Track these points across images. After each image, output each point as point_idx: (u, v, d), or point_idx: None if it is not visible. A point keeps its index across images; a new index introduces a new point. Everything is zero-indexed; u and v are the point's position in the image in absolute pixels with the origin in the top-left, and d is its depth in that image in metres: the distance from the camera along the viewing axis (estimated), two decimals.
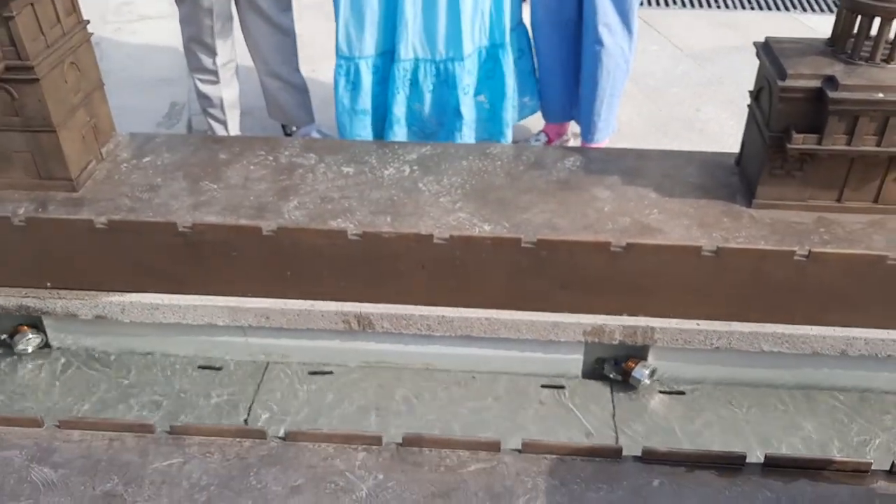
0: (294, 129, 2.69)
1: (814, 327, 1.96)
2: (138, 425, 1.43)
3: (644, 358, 2.07)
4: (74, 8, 2.04)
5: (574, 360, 2.10)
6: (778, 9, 3.64)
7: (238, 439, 1.42)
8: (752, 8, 3.64)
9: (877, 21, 1.79)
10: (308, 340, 2.13)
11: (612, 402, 2.03)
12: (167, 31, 3.47)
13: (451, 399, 2.05)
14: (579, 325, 2.01)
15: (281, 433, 1.44)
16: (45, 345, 2.21)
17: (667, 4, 3.74)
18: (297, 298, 2.06)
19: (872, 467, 1.35)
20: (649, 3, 3.74)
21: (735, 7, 3.66)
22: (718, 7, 3.68)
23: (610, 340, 2.03)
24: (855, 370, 2.03)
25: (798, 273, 1.89)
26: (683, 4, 3.72)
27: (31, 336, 2.19)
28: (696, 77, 3.14)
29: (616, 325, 2.00)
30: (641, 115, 2.92)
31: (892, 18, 1.77)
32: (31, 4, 1.85)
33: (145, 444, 1.40)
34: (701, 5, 3.71)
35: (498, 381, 2.10)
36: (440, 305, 2.03)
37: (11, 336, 2.20)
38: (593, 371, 2.11)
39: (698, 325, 1.99)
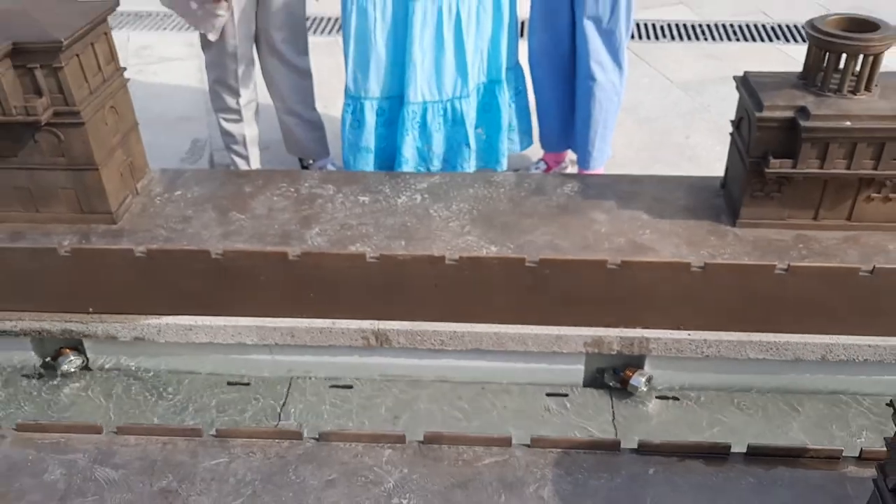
0: (311, 161, 2.88)
1: (795, 335, 2.13)
2: (189, 430, 1.60)
3: (641, 367, 2.24)
4: (113, 56, 2.24)
5: (576, 371, 2.27)
6: (762, 40, 3.85)
7: (277, 440, 1.59)
8: (738, 39, 3.85)
9: (843, 56, 1.99)
10: (329, 357, 2.30)
11: (612, 407, 2.19)
12: (185, 72, 3.69)
13: (463, 408, 2.21)
14: (580, 337, 2.18)
15: (315, 434, 1.61)
16: (86, 366, 2.38)
17: (657, 38, 3.95)
18: (320, 318, 2.24)
19: (843, 454, 1.52)
20: (640, 37, 3.95)
21: (721, 39, 3.88)
22: (706, 39, 3.90)
23: (609, 351, 2.20)
24: (835, 374, 2.20)
25: (779, 285, 2.07)
26: (672, 38, 3.93)
27: (72, 358, 2.36)
28: (686, 106, 3.34)
29: (614, 336, 2.18)
30: (634, 143, 3.11)
31: (857, 54, 1.96)
32: (77, 55, 2.05)
33: (195, 447, 1.57)
34: (689, 38, 3.92)
35: (506, 391, 2.26)
36: (452, 322, 2.20)
37: (55, 358, 2.38)
38: (594, 380, 2.28)
39: (689, 335, 2.17)
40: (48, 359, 2.38)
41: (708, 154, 2.95)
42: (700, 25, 4.01)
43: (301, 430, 1.59)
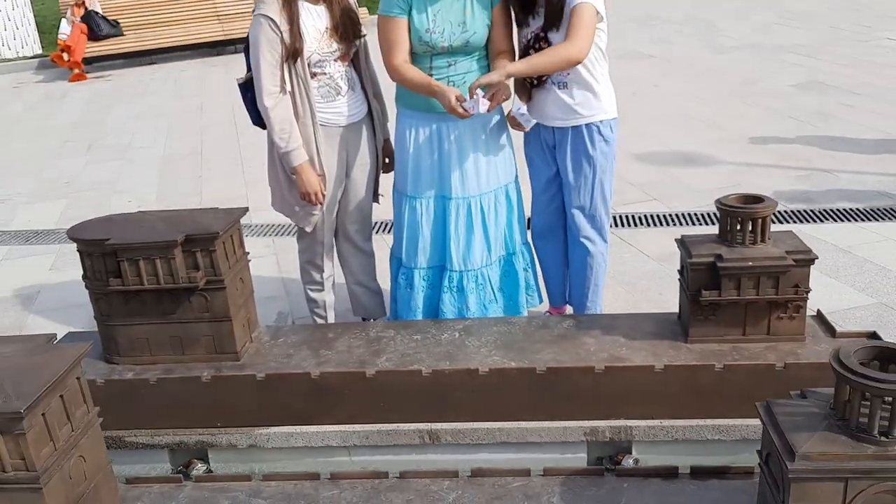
0: (373, 320, 3.78)
1: (737, 420, 2.88)
2: (311, 474, 2.36)
3: (630, 451, 2.97)
4: (241, 243, 3.23)
5: (580, 458, 2.99)
6: (714, 223, 4.85)
7: (371, 479, 2.33)
8: (699, 224, 4.87)
9: (741, 220, 2.92)
10: (393, 455, 3.04)
11: None
12: (267, 266, 4.71)
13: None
14: (580, 428, 2.94)
15: (397, 473, 2.36)
16: (208, 471, 3.13)
17: (637, 225, 4.97)
18: (388, 423, 3.02)
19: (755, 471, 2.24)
20: (625, 225, 4.97)
21: (686, 224, 4.89)
22: (675, 225, 4.91)
23: (603, 439, 2.94)
24: None
25: (720, 380, 2.86)
26: (649, 225, 4.96)
27: (199, 466, 3.12)
28: (660, 273, 4.27)
29: (605, 426, 2.93)
30: (620, 300, 4.01)
31: (750, 218, 2.90)
32: (224, 243, 3.03)
33: (317, 485, 2.32)
34: (662, 225, 4.94)
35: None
36: (485, 421, 2.98)
37: (186, 467, 3.14)
38: (596, 464, 2.99)
39: (661, 423, 2.92)
40: (180, 467, 3.14)
41: (675, 303, 3.82)
42: (670, 215, 5.06)
43: (388, 471, 2.35)
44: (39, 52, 13.19)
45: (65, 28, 11.30)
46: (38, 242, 5.47)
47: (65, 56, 11.10)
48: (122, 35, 11.62)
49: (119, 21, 11.65)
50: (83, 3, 11.41)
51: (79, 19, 11.24)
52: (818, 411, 1.90)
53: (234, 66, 11.03)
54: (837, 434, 1.82)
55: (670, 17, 11.72)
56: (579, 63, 3.07)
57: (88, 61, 11.41)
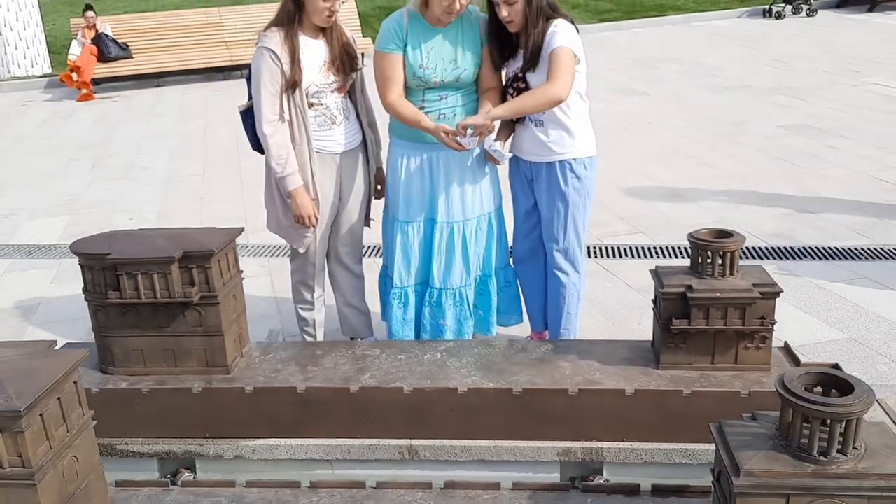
0: (360, 340, 3.91)
1: (703, 444, 3.00)
2: (292, 482, 2.48)
3: (601, 472, 3.09)
4: (236, 262, 3.38)
5: (553, 477, 3.11)
6: None
7: (349, 489, 2.45)
8: (682, 256, 5.02)
9: (710, 252, 3.08)
10: (374, 469, 3.16)
11: None
12: (261, 285, 4.85)
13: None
14: (553, 448, 3.06)
15: (374, 483, 2.48)
16: (195, 480, 3.24)
17: (622, 257, 5.12)
18: (369, 438, 3.14)
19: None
20: (610, 256, 5.13)
21: (669, 256, 5.05)
22: (658, 257, 5.06)
23: (575, 459, 3.07)
24: None
25: (688, 405, 2.99)
26: (633, 256, 5.11)
27: (186, 475, 3.24)
28: (640, 303, 4.41)
29: (578, 447, 3.05)
30: (600, 327, 4.15)
31: (719, 252, 3.05)
32: (219, 260, 3.18)
33: (297, 492, 2.44)
34: (646, 257, 5.10)
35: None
36: (462, 439, 3.10)
37: (174, 476, 3.25)
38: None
39: (631, 445, 3.04)
40: (169, 476, 3.26)
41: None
42: (653, 248, 5.21)
43: (364, 481, 2.47)
44: (49, 71, 13.45)
45: (75, 49, 11.57)
46: (41, 256, 5.62)
47: (74, 76, 11.35)
48: (132, 58, 11.87)
49: (128, 44, 11.92)
50: (94, 25, 11.69)
51: (89, 41, 11.51)
52: (765, 432, 2.03)
53: (238, 90, 11.24)
54: (781, 453, 1.95)
55: (667, 58, 11.99)
56: (562, 102, 3.24)
57: (97, 82, 11.65)
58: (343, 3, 3.38)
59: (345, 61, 3.42)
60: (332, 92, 3.43)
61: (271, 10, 12.49)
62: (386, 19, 3.45)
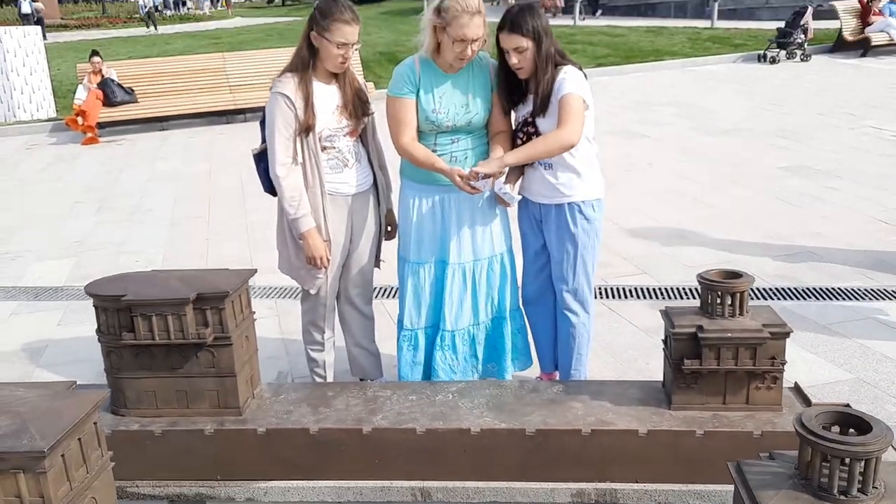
0: (370, 381, 3.92)
1: (718, 485, 3.00)
2: None
3: None
4: (249, 302, 3.40)
5: None
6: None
7: None
8: (685, 297, 5.05)
9: (721, 293, 3.11)
10: None
11: None
12: (269, 327, 4.86)
13: None
14: (567, 489, 3.06)
15: None
16: None
17: (627, 297, 5.15)
18: (382, 479, 3.13)
19: None
20: (616, 297, 5.16)
21: (673, 297, 5.08)
22: (663, 298, 5.09)
23: (588, 501, 3.06)
24: None
25: (700, 446, 2.99)
26: (638, 297, 5.14)
27: None
28: (647, 343, 4.42)
29: (591, 489, 3.05)
30: (609, 367, 4.16)
31: (730, 292, 3.08)
32: (233, 302, 3.20)
33: None
34: (650, 297, 5.12)
35: None
36: (476, 480, 3.09)
37: None
38: None
39: (645, 487, 3.04)
40: None
41: (659, 371, 3.98)
42: (658, 288, 5.25)
43: None
44: (54, 115, 13.60)
45: (81, 93, 11.72)
46: (47, 299, 5.63)
47: (79, 120, 11.48)
48: (137, 102, 12.03)
49: (134, 89, 12.08)
50: (100, 70, 11.86)
51: (95, 85, 11.67)
52: (784, 471, 2.04)
53: (241, 133, 11.41)
54: (801, 492, 1.95)
55: (665, 102, 12.18)
56: (572, 147, 3.31)
57: (101, 126, 11.78)
58: (356, 49, 3.46)
59: (357, 106, 3.49)
60: (344, 136, 3.49)
61: (274, 55, 12.79)
62: (399, 65, 3.53)
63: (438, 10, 3.30)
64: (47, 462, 2.03)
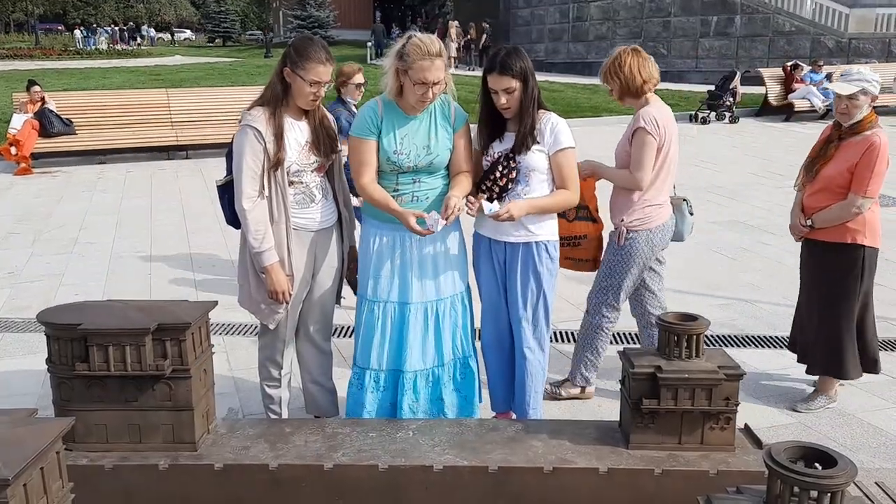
0: (326, 418, 3.87)
1: None
2: None
3: None
4: (208, 336, 3.34)
5: None
6: None
7: None
8: (630, 342, 5.17)
9: (677, 336, 3.22)
10: None
11: None
12: (217, 364, 4.75)
13: None
14: None
15: None
16: None
17: (570, 340, 5.24)
18: None
19: None
20: (559, 341, 5.25)
21: (617, 342, 5.20)
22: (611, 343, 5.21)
23: None
24: None
25: (657, 485, 3.05)
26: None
27: None
28: (596, 385, 4.51)
29: None
30: (561, 409, 4.21)
31: (686, 335, 3.19)
32: (193, 333, 3.14)
33: None
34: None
35: None
36: None
37: None
38: None
39: None
40: None
41: (611, 416, 4.06)
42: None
43: None
44: None
45: (16, 122, 11.39)
46: None
47: (13, 150, 11.13)
48: (75, 134, 11.75)
49: (72, 120, 11.81)
50: (41, 99, 11.57)
51: (32, 115, 11.36)
52: None
53: (183, 170, 11.26)
54: None
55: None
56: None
57: (36, 157, 11.45)
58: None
59: (325, 142, 3.52)
60: (312, 171, 3.51)
61: (217, 94, 12.72)
62: (362, 107, 3.59)
63: (400, 55, 3.38)
64: (9, 491, 1.95)
